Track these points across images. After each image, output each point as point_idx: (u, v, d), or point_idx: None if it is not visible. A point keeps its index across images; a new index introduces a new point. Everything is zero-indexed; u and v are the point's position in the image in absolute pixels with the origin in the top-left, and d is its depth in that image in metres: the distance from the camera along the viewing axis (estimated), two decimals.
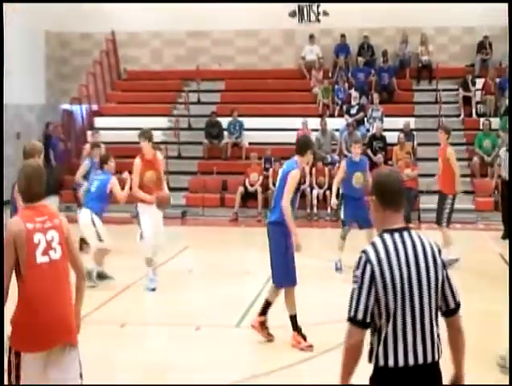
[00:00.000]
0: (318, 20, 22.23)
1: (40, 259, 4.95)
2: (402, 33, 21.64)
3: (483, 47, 21.36)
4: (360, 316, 3.56)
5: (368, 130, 19.22)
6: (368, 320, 3.58)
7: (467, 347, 3.91)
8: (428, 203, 16.97)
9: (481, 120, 19.26)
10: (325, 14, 22.18)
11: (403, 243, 3.64)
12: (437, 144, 18.91)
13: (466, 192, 17.76)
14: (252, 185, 17.70)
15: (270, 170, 17.81)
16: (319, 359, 7.68)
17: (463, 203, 17.36)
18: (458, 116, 20.13)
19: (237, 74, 22.20)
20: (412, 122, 19.30)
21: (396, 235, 3.66)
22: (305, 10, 22.28)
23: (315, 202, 17.53)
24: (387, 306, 3.57)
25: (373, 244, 3.65)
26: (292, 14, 22.35)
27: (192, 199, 18.34)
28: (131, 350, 8.22)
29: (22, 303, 4.98)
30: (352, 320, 3.59)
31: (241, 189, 17.65)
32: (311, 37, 21.97)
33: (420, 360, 3.56)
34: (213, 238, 15.40)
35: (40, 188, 5.17)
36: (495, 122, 19.00)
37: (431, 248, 3.70)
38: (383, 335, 3.60)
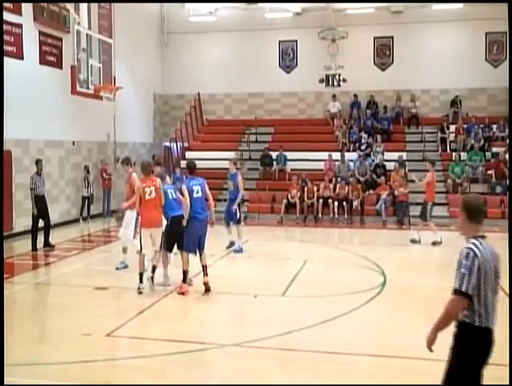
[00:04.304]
0: (339, 85, 21.99)
1: (147, 197, 8.57)
2: (397, 93, 21.39)
3: (455, 103, 21.02)
4: (470, 291, 3.73)
5: (373, 160, 19.00)
6: (472, 294, 3.76)
7: None
8: (416, 211, 16.77)
9: (453, 153, 18.89)
10: (344, 80, 21.98)
11: (487, 244, 3.86)
12: (421, 170, 18.78)
13: (442, 204, 17.51)
14: (292, 198, 17.66)
15: (305, 187, 17.76)
16: (339, 320, 7.64)
17: (440, 211, 17.03)
18: (437, 151, 19.77)
19: (283, 122, 22.16)
20: (404, 155, 19.01)
21: (481, 240, 3.86)
22: (330, 78, 22.19)
23: (335, 210, 17.31)
24: (483, 286, 3.77)
25: (475, 245, 3.81)
26: (321, 81, 22.24)
27: (251, 208, 18.26)
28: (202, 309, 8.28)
29: (142, 211, 8.66)
30: (463, 293, 3.73)
31: (284, 201, 17.62)
32: (334, 96, 21.89)
33: (493, 325, 3.84)
34: (266, 234, 15.44)
35: (148, 170, 8.80)
36: (463, 155, 18.67)
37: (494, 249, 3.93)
38: (476, 305, 3.78)
